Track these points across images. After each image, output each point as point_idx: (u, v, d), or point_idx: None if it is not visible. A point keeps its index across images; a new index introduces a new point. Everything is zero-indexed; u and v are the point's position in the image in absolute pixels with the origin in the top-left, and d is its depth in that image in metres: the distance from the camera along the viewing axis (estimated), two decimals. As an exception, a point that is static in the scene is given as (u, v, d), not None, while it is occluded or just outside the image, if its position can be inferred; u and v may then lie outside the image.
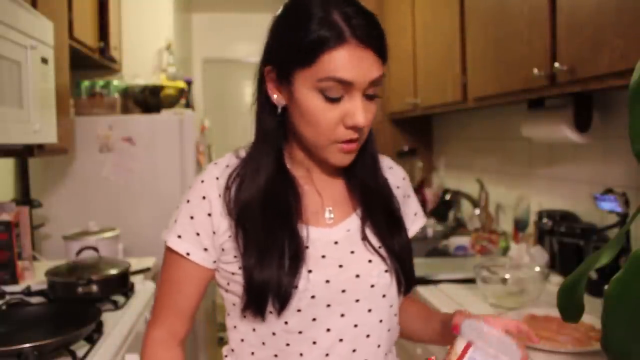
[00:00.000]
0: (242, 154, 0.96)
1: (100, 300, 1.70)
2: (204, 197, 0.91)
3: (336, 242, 0.92)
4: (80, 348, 1.35)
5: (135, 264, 2.25)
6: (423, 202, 3.14)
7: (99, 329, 1.46)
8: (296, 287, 0.86)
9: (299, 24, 0.84)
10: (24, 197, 2.53)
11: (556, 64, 1.37)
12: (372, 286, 0.91)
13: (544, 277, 1.61)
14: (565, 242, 1.81)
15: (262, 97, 0.92)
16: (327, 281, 0.88)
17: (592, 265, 0.63)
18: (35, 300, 1.71)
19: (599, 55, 1.24)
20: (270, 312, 0.87)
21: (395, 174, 1.05)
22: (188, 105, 3.09)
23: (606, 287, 0.60)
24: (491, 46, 1.78)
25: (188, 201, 0.93)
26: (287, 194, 0.91)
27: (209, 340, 3.06)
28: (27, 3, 1.64)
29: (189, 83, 3.16)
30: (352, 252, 0.92)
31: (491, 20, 1.77)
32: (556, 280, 1.76)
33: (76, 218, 2.57)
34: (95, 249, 1.97)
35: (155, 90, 2.81)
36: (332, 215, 0.95)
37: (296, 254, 0.87)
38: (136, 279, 2.00)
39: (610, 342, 0.63)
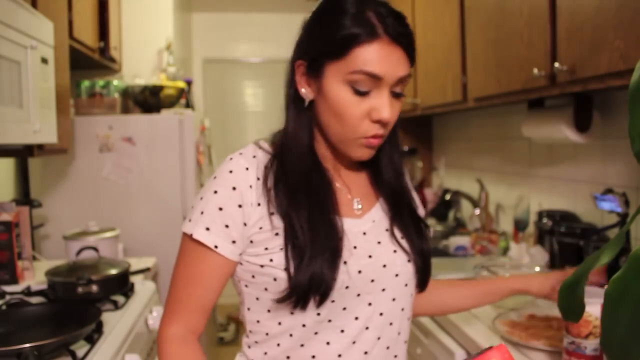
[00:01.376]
0: (265, 146, 0.97)
1: (100, 300, 1.70)
2: (234, 188, 0.90)
3: (364, 233, 0.95)
4: (80, 348, 1.35)
5: (135, 264, 2.25)
6: (423, 202, 3.14)
7: (99, 329, 1.46)
8: (335, 280, 0.88)
9: (333, 19, 0.88)
10: (24, 197, 2.53)
11: (556, 64, 1.37)
12: (397, 275, 0.95)
13: (544, 277, 1.61)
14: (565, 242, 1.81)
15: (291, 91, 0.94)
16: (360, 271, 0.90)
17: (592, 265, 0.63)
18: (35, 300, 1.71)
19: (599, 56, 1.24)
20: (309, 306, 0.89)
21: None
22: (188, 105, 3.09)
23: (606, 287, 0.60)
24: (491, 46, 1.78)
25: (215, 192, 0.91)
26: (325, 187, 0.94)
27: (209, 340, 3.06)
28: (27, 3, 1.64)
29: (189, 83, 3.16)
30: (379, 242, 0.95)
31: (491, 21, 1.77)
32: (556, 280, 1.76)
33: (76, 218, 2.57)
34: (95, 249, 1.97)
35: (155, 90, 2.81)
36: (360, 206, 0.98)
37: (336, 248, 0.89)
38: (136, 279, 2.00)
39: (610, 342, 0.63)
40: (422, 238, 1.01)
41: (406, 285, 0.97)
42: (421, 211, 1.08)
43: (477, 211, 2.50)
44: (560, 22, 1.38)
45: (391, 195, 1.00)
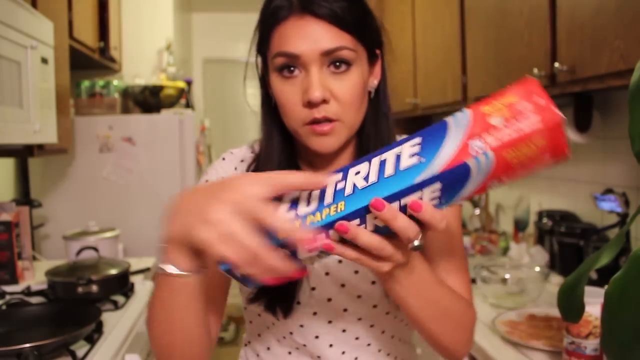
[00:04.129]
0: (257, 148, 0.93)
1: (100, 300, 1.70)
2: None
3: (340, 261, 0.87)
4: (80, 348, 1.35)
5: (135, 264, 2.25)
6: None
7: (99, 329, 1.46)
8: (299, 302, 0.84)
9: (263, 6, 0.82)
10: (24, 197, 2.53)
11: (556, 64, 1.37)
12: (375, 306, 0.88)
13: (544, 277, 1.61)
14: (565, 242, 1.81)
15: (262, 92, 0.90)
16: (329, 299, 0.86)
17: (592, 265, 0.63)
18: (35, 300, 1.71)
19: (599, 56, 1.23)
20: (277, 319, 0.86)
21: None
22: (188, 105, 3.09)
23: (606, 287, 0.60)
24: (491, 46, 1.78)
25: (206, 182, 0.90)
26: None
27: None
28: (27, 3, 1.64)
29: (189, 83, 3.16)
30: (356, 271, 0.87)
31: (491, 21, 1.77)
32: (556, 280, 1.76)
33: (76, 218, 2.57)
34: (95, 249, 1.97)
35: (155, 90, 2.81)
36: None
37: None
38: (136, 279, 2.00)
39: (610, 342, 0.63)
40: None
41: (387, 313, 0.90)
42: None
43: (477, 211, 2.50)
44: (560, 22, 1.38)
45: None
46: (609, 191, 1.60)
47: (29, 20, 1.61)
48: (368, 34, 0.82)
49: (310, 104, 0.77)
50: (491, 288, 1.62)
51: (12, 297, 1.71)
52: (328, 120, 0.78)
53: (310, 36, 0.76)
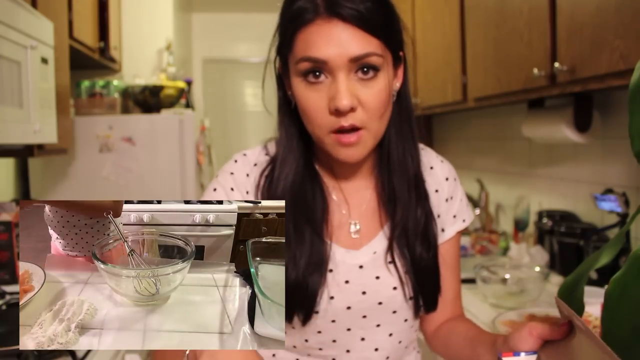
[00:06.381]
0: (272, 149, 0.91)
1: (100, 300, 1.70)
2: (232, 189, 0.88)
3: (361, 267, 0.86)
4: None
5: (135, 264, 2.25)
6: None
7: (99, 329, 1.46)
8: (317, 312, 0.83)
9: (284, 7, 0.80)
10: (24, 197, 2.53)
11: (556, 64, 1.37)
12: (395, 312, 0.87)
13: (544, 277, 1.61)
14: (565, 242, 1.81)
15: (279, 94, 0.87)
16: (349, 307, 0.85)
17: (592, 265, 0.63)
18: (35, 300, 1.71)
19: (599, 55, 1.23)
20: (292, 327, 0.85)
21: (435, 175, 0.95)
22: (188, 105, 3.09)
23: (606, 287, 0.60)
24: (491, 46, 1.78)
25: (215, 190, 0.88)
26: (315, 200, 0.86)
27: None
28: (27, 3, 1.64)
29: (189, 83, 3.16)
30: (377, 277, 0.86)
31: (491, 20, 1.77)
32: (556, 280, 1.76)
33: (76, 218, 2.57)
34: (95, 249, 1.97)
35: (155, 90, 2.81)
36: (357, 227, 0.89)
37: (319, 266, 0.83)
38: (136, 279, 1.99)
39: (610, 342, 0.63)
40: (423, 257, 0.87)
41: (406, 320, 0.88)
42: (455, 210, 0.96)
43: (477, 211, 2.50)
44: (560, 22, 1.38)
45: (396, 211, 0.87)
46: (609, 191, 1.60)
47: (29, 20, 1.61)
48: (394, 36, 0.80)
49: (337, 112, 0.75)
50: (491, 288, 1.62)
51: (12, 297, 1.71)
52: (354, 128, 0.77)
53: (338, 41, 0.73)
